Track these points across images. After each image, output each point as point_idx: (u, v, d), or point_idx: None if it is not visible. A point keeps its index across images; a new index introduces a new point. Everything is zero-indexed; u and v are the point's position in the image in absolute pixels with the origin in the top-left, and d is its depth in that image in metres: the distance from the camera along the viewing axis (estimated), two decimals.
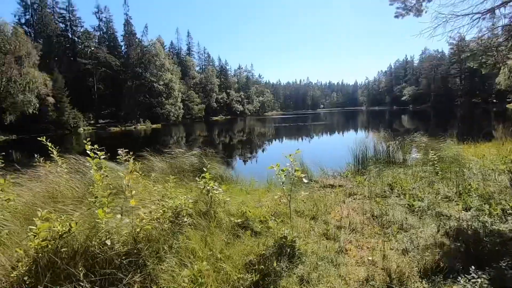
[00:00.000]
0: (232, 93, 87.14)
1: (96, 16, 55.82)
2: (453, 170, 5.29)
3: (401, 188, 4.56)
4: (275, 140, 24.31)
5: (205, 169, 3.64)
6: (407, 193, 4.33)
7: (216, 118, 78.29)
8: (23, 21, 46.75)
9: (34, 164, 4.85)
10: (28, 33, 44.40)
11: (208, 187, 3.46)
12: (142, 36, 54.90)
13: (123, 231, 2.36)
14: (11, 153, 21.41)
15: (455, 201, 4.00)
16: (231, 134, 32.36)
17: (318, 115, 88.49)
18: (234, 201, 3.95)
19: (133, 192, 2.69)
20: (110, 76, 51.75)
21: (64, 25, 50.29)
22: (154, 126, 47.47)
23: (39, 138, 4.46)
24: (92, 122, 49.41)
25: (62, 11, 50.35)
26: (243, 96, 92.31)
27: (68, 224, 2.08)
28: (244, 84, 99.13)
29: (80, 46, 50.22)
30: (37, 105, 33.30)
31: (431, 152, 5.58)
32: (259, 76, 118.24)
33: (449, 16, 6.52)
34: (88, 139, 3.19)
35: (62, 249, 2.01)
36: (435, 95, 77.03)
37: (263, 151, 17.02)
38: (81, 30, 51.23)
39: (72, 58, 47.58)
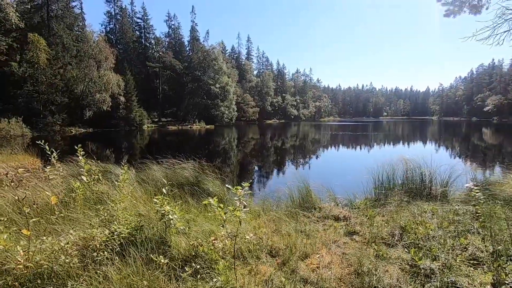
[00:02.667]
0: (288, 97, 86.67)
1: (167, 23, 61.40)
2: (502, 217, 3.97)
3: (415, 234, 3.54)
4: (321, 149, 23.04)
5: (164, 189, 3.30)
6: (420, 243, 3.33)
7: (269, 121, 78.84)
8: (107, 29, 53.80)
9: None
10: (111, 40, 50.94)
11: (163, 211, 3.11)
12: (203, 41, 58.26)
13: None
14: (87, 143, 24.64)
15: (485, 268, 2.90)
16: (277, 139, 31.89)
17: (380, 123, 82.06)
18: (202, 229, 3.53)
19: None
20: (174, 78, 56.14)
21: (139, 33, 56.28)
22: (208, 126, 49.82)
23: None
24: (156, 120, 54.15)
25: (138, 20, 56.52)
26: (298, 100, 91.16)
27: None
28: (300, 88, 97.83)
29: (150, 51, 55.59)
30: (110, 103, 37.78)
31: (475, 186, 4.30)
32: (318, 80, 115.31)
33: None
34: (79, 143, 3.10)
35: None
36: None
37: (297, 162, 16.15)
38: (152, 37, 56.70)
39: (143, 62, 52.87)
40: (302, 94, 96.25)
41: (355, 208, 4.84)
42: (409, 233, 3.61)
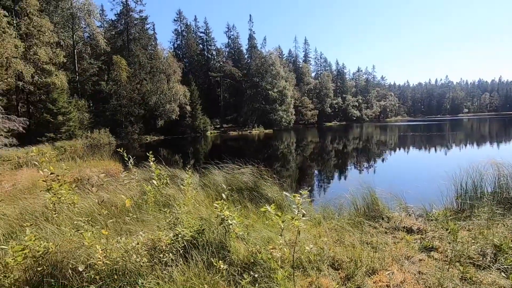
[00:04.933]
0: (349, 98, 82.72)
1: (226, 34, 64.68)
2: None
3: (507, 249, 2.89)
4: (387, 152, 21.18)
5: (223, 194, 3.38)
6: None
7: (329, 123, 76.27)
8: (175, 46, 59.27)
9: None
10: (178, 55, 55.96)
11: (222, 215, 3.18)
12: (261, 47, 59.61)
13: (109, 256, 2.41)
14: (159, 150, 27.45)
15: None
16: (337, 142, 30.49)
17: (459, 121, 72.04)
18: (260, 235, 3.51)
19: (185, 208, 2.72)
20: (233, 86, 58.68)
21: (202, 46, 60.53)
22: (266, 131, 50.54)
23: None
24: (218, 126, 57.22)
25: (201, 35, 60.84)
26: (360, 101, 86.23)
27: (43, 245, 2.30)
28: (363, 87, 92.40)
29: (212, 62, 59.22)
30: (178, 112, 41.34)
31: None
32: (382, 78, 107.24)
33: None
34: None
35: (38, 269, 2.24)
36: None
37: (360, 166, 15.05)
38: (214, 48, 60.36)
39: (205, 73, 56.61)
40: (365, 93, 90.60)
41: (431, 220, 4.23)
42: (506, 253, 2.97)
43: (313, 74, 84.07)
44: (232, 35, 64.18)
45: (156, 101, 40.04)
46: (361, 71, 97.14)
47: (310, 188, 9.63)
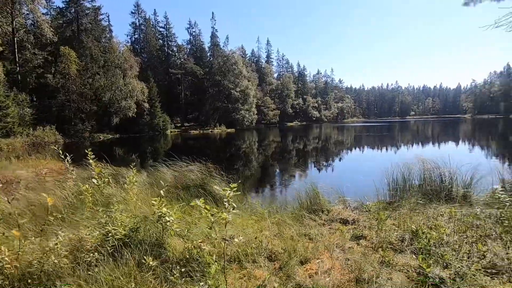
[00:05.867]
0: (309, 99, 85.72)
1: (188, 31, 63.08)
2: None
3: (427, 239, 3.26)
4: (339, 151, 22.41)
5: (162, 191, 3.31)
6: (431, 249, 3.06)
7: (291, 124, 78.30)
8: (133, 40, 56.28)
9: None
10: (136, 50, 53.23)
11: (160, 212, 3.11)
12: (223, 46, 59.23)
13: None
14: (115, 149, 25.83)
15: (505, 277, 2.60)
16: (295, 142, 31.49)
17: (407, 123, 78.64)
18: (201, 231, 3.50)
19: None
20: (195, 84, 57.46)
21: (162, 41, 58.29)
22: (228, 130, 50.36)
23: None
24: (178, 125, 55.66)
25: (161, 29, 58.57)
26: (320, 102, 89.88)
27: None
28: (322, 89, 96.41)
29: (173, 59, 57.35)
30: (135, 109, 39.34)
31: (498, 188, 3.93)
32: (340, 81, 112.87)
33: None
34: (95, 147, 3.21)
35: None
36: None
37: (311, 164, 15.75)
38: (175, 44, 58.52)
39: (165, 69, 54.62)
40: (324, 95, 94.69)
41: (365, 211, 4.59)
42: (420, 238, 3.34)
43: (275, 75, 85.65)
44: (194, 32, 62.84)
45: (110, 97, 37.66)
46: (321, 73, 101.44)
47: (264, 185, 9.83)
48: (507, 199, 3.97)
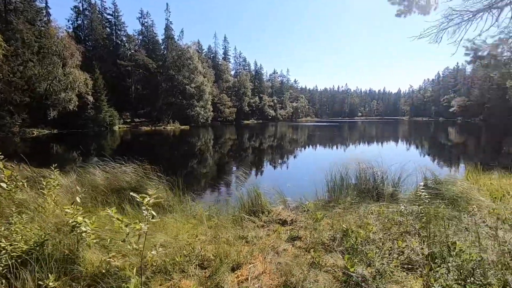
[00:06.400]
0: (265, 98, 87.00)
1: (139, 21, 59.31)
2: (445, 216, 3.97)
3: (356, 237, 3.41)
4: (288, 151, 23.09)
5: (78, 198, 2.94)
6: (359, 248, 3.20)
7: (247, 121, 78.72)
8: (75, 25, 51.07)
9: None
10: (79, 37, 48.48)
11: (74, 222, 2.74)
12: (178, 40, 57.05)
13: None
14: (51, 145, 23.10)
15: (419, 272, 2.80)
16: (247, 140, 31.72)
17: (355, 123, 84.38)
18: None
19: None
20: (147, 78, 54.40)
21: (109, 29, 53.97)
22: (183, 127, 48.75)
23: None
24: (128, 120, 52.25)
25: (108, 16, 54.18)
26: (276, 101, 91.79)
27: None
28: (278, 88, 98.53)
29: (122, 49, 53.50)
30: (77, 102, 35.84)
31: (421, 186, 4.30)
32: (295, 81, 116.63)
33: (464, 13, 5.15)
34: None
35: None
36: (488, 108, 69.23)
37: (256, 165, 15.92)
38: (124, 34, 54.64)
39: (114, 60, 50.71)
40: (280, 94, 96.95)
41: (304, 211, 4.68)
42: (349, 237, 3.47)
43: (232, 72, 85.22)
44: (146, 22, 59.34)
45: (47, 88, 33.77)
46: (277, 73, 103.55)
47: (210, 185, 9.60)
48: (427, 196, 4.36)
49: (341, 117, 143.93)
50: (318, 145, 26.38)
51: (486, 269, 2.73)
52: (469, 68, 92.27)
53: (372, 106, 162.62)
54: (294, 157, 18.49)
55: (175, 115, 51.31)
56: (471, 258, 2.86)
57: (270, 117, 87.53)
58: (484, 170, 8.47)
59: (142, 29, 59.77)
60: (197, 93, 53.06)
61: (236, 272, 2.93)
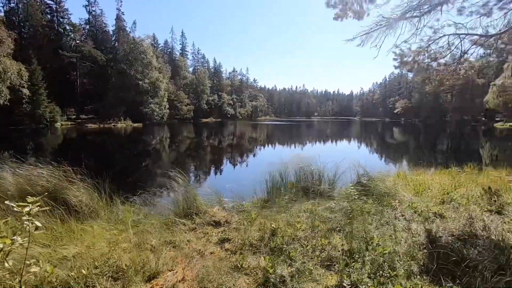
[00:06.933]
0: (224, 96, 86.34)
1: (86, 9, 54.70)
2: (371, 211, 4.20)
3: (282, 236, 3.43)
4: (240, 150, 23.14)
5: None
6: (284, 247, 3.21)
7: (206, 120, 77.35)
8: (7, 9, 45.21)
9: None
10: (13, 22, 43.06)
11: None
12: (130, 32, 53.86)
13: None
14: None
15: (335, 268, 2.88)
16: (196, 139, 31.18)
17: (311, 123, 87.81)
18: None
19: None
20: (96, 71, 50.38)
21: (51, 16, 48.85)
22: (135, 124, 46.13)
23: None
24: (73, 117, 48.01)
25: (49, 1, 48.95)
26: (235, 100, 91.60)
27: None
28: (237, 87, 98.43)
29: (65, 39, 48.82)
30: (8, 96, 31.80)
31: (353, 183, 4.50)
32: (254, 80, 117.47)
33: (391, 20, 5.51)
34: None
35: None
36: (426, 110, 77.15)
37: (200, 165, 15.63)
38: (68, 22, 49.87)
39: (55, 50, 45.97)
40: (239, 93, 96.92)
41: (241, 211, 4.61)
42: (277, 236, 3.47)
43: (190, 69, 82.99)
44: (94, 11, 54.88)
45: None
46: (236, 71, 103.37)
47: (146, 187, 9.11)
48: (356, 193, 4.57)
49: (299, 116, 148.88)
50: (269, 144, 26.52)
51: (396, 261, 2.89)
52: (410, 74, 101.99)
53: (328, 106, 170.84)
54: (242, 156, 18.30)
55: (127, 112, 48.31)
56: (384, 251, 3.02)
57: (229, 116, 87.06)
58: (417, 166, 9.29)
59: (89, 18, 55.14)
60: (151, 89, 50.59)
61: (152, 281, 2.72)
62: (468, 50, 4.88)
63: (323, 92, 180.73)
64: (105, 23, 56.72)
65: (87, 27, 55.02)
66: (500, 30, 4.57)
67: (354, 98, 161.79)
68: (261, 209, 4.65)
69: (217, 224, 4.17)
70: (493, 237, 3.42)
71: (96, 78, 50.92)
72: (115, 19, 56.55)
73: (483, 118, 62.16)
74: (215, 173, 12.39)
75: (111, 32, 57.12)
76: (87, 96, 51.44)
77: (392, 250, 3.06)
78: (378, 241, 3.26)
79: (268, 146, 25.19)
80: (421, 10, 4.54)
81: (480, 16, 5.01)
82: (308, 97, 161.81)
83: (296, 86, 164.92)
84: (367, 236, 3.39)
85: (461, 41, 4.84)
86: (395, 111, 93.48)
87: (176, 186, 4.68)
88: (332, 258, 3.02)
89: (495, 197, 4.64)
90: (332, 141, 30.66)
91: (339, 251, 3.13)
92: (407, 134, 41.77)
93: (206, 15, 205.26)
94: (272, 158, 15.99)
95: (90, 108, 52.04)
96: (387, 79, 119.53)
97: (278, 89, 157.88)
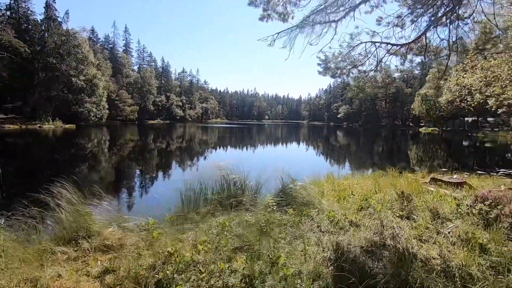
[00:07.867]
0: (173, 97, 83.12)
1: None
2: (289, 223, 3.93)
3: (178, 262, 2.92)
4: (178, 157, 22.13)
5: None
6: (174, 278, 2.70)
7: (152, 121, 73.44)
8: None
9: None
10: None
11: None
12: (62, 22, 48.41)
13: None
14: None
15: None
16: (129, 144, 29.24)
17: (262, 126, 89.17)
18: None
19: None
20: (19, 64, 43.91)
21: None
22: (67, 126, 41.41)
23: None
24: None
25: None
26: (184, 101, 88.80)
27: None
28: (187, 88, 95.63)
29: None
30: None
31: (273, 192, 4.19)
32: (205, 82, 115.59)
33: (311, 23, 5.43)
34: None
35: None
36: (365, 115, 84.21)
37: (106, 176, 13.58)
38: None
39: None
40: (189, 94, 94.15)
41: (144, 230, 3.97)
42: (170, 263, 2.94)
43: (135, 67, 78.09)
44: None
45: None
46: (186, 72, 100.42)
47: (28, 205, 7.84)
48: (274, 204, 4.28)
49: (250, 119, 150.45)
50: (210, 149, 24.54)
51: (297, 285, 2.60)
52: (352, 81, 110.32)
53: (278, 110, 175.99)
54: (174, 162, 16.84)
55: (58, 112, 43.12)
56: (287, 273, 2.71)
57: (178, 117, 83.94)
58: (350, 168, 9.53)
59: (11, 3, 48.07)
60: (88, 87, 45.99)
61: None
62: (382, 58, 4.99)
63: (274, 96, 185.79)
64: (32, 11, 50.06)
65: (8, 13, 47.89)
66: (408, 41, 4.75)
67: (303, 103, 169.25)
68: (170, 226, 4.08)
69: (108, 248, 3.47)
70: (399, 246, 3.38)
71: (18, 73, 44.40)
72: (44, 7, 50.18)
73: (411, 124, 70.04)
74: (134, 184, 10.80)
75: (39, 21, 50.53)
76: (8, 93, 44.60)
77: (296, 271, 2.77)
78: (285, 261, 2.95)
79: (209, 151, 23.05)
80: (337, 14, 4.49)
81: (393, 27, 5.19)
82: (260, 100, 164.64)
83: (248, 89, 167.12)
84: (275, 255, 3.06)
85: (376, 49, 4.93)
86: (338, 116, 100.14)
87: (64, 203, 3.85)
88: (247, 277, 2.61)
89: (406, 201, 4.77)
90: (274, 145, 31.19)
91: (238, 277, 2.73)
92: (348, 137, 44.77)
93: (153, 13, 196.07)
94: (206, 164, 14.83)
95: (11, 107, 45.17)
96: (332, 86, 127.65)
97: (230, 92, 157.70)
